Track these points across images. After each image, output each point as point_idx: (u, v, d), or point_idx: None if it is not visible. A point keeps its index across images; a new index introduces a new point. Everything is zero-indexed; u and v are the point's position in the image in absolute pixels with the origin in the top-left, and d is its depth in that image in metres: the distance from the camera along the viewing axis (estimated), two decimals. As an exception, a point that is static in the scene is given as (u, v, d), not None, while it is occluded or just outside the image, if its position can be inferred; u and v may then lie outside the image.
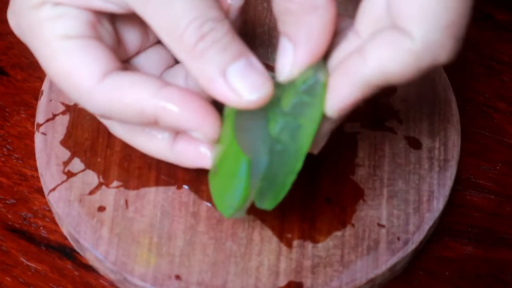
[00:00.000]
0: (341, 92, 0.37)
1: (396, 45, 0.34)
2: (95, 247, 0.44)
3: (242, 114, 0.38)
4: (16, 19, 0.40)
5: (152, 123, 0.39)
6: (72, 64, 0.38)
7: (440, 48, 0.34)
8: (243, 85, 0.37)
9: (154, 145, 0.42)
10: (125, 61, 0.43)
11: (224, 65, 0.37)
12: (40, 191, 0.47)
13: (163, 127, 0.40)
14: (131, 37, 0.42)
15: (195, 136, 0.39)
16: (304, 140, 0.38)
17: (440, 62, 0.35)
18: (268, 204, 0.40)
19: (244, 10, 0.51)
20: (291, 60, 0.38)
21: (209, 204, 0.45)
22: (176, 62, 0.44)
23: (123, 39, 0.42)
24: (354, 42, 0.38)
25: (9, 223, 0.47)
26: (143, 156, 0.46)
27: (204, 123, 0.38)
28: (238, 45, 0.38)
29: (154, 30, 0.38)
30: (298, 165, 0.38)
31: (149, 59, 0.43)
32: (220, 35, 0.37)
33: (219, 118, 0.39)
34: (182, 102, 0.38)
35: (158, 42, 0.43)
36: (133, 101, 0.38)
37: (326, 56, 0.38)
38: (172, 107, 0.38)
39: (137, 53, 0.43)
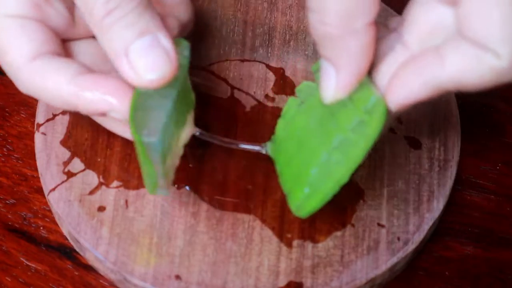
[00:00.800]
0: (411, 89, 0.37)
1: (480, 59, 0.35)
2: (95, 247, 0.44)
3: (146, 92, 0.38)
4: None
5: (75, 109, 0.40)
6: (6, 42, 0.40)
7: None
8: (143, 64, 0.37)
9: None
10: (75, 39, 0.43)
11: (127, 42, 0.37)
12: (40, 191, 0.47)
13: (84, 112, 0.40)
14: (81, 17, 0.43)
15: (114, 116, 0.39)
16: (357, 156, 0.37)
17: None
18: (305, 212, 0.39)
19: (244, 10, 0.51)
20: (334, 83, 0.37)
21: (209, 204, 0.45)
22: None
23: (78, 19, 0.42)
24: (403, 54, 0.38)
25: (9, 223, 0.47)
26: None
27: (117, 103, 0.38)
28: (145, 22, 0.37)
29: (76, 4, 0.38)
30: (345, 178, 0.38)
31: (89, 47, 0.44)
32: (126, 11, 0.37)
33: (128, 96, 0.38)
34: (94, 86, 0.38)
35: None
36: (52, 86, 0.39)
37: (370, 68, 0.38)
38: (85, 93, 0.38)
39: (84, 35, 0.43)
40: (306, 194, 0.39)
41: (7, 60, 0.40)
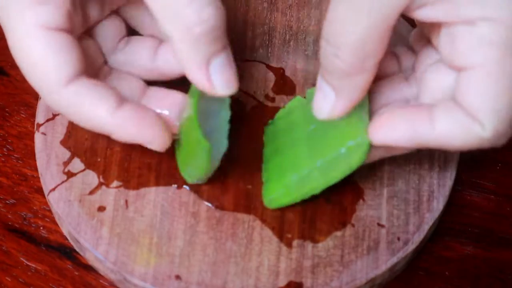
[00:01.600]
0: (397, 136, 0.39)
1: (468, 127, 0.38)
2: (95, 247, 0.44)
3: (205, 98, 0.42)
4: None
5: (108, 135, 0.41)
6: (44, 58, 0.39)
7: (503, 136, 0.38)
8: (220, 79, 0.40)
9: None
10: (85, 32, 0.43)
11: (210, 55, 0.39)
12: (40, 191, 0.47)
13: (117, 139, 0.41)
14: (92, 8, 0.43)
15: (149, 147, 0.41)
16: (333, 179, 0.42)
17: (497, 145, 0.39)
18: (275, 206, 0.45)
19: (244, 10, 0.51)
20: (331, 105, 0.40)
21: (209, 204, 0.45)
22: (130, 33, 0.45)
23: (86, 10, 0.42)
24: (406, 91, 0.43)
25: (9, 223, 0.47)
26: (143, 156, 0.46)
27: (155, 138, 0.41)
28: (225, 38, 0.40)
29: (148, 3, 0.38)
30: (317, 191, 0.43)
31: (105, 30, 0.44)
32: (216, 24, 0.38)
33: (168, 131, 0.41)
34: (136, 123, 0.40)
35: (112, 13, 0.44)
36: (91, 116, 0.40)
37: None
38: (127, 128, 0.40)
39: (95, 23, 0.44)
40: (281, 193, 0.44)
41: (38, 77, 0.39)
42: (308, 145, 0.43)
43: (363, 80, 0.39)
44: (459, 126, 0.38)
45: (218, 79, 0.40)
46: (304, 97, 0.47)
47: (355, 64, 0.38)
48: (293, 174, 0.43)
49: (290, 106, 0.47)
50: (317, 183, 0.42)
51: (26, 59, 0.39)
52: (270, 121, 0.47)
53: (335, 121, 0.41)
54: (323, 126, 0.43)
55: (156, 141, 0.41)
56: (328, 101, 0.40)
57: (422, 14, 0.37)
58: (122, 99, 0.40)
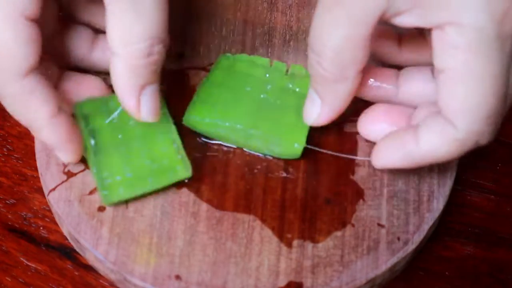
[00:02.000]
0: (393, 161, 0.43)
1: (444, 134, 0.40)
2: (95, 247, 0.44)
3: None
4: None
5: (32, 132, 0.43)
6: (13, 46, 0.40)
7: (480, 135, 0.39)
8: (147, 107, 0.42)
9: None
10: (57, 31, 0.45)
11: (144, 85, 0.42)
12: (40, 191, 0.47)
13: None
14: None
15: (59, 156, 0.44)
16: (251, 148, 0.47)
17: (481, 145, 0.40)
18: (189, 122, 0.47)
19: (244, 10, 0.51)
20: (318, 112, 0.43)
21: (209, 204, 0.45)
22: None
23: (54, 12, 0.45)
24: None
25: (9, 223, 0.47)
26: (143, 156, 0.46)
27: (71, 153, 0.44)
28: (160, 71, 0.42)
29: (109, 16, 0.40)
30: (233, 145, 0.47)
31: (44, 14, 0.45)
32: (161, 60, 0.42)
33: (79, 152, 0.44)
34: (65, 133, 0.43)
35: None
36: (32, 113, 0.41)
37: None
38: (56, 134, 0.42)
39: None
40: (205, 122, 0.46)
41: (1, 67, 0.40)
42: (257, 108, 0.46)
43: (345, 89, 0.41)
44: (437, 134, 0.40)
45: (145, 106, 0.42)
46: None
47: (335, 72, 0.40)
48: (227, 121, 0.46)
49: (259, 60, 0.49)
50: (240, 141, 0.46)
51: None
52: (230, 54, 0.49)
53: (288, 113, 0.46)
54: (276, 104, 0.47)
55: (70, 156, 0.44)
56: (315, 107, 0.43)
57: (400, 21, 0.39)
58: (61, 107, 0.42)
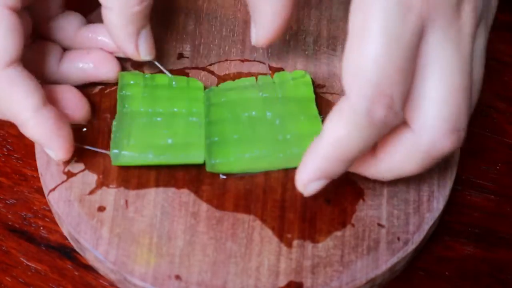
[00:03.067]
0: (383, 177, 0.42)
1: (403, 143, 0.38)
2: (95, 247, 0.44)
3: None
4: None
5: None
6: None
7: (443, 140, 0.37)
8: (145, 48, 0.46)
9: None
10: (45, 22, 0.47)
11: (140, 28, 0.45)
12: (40, 191, 0.47)
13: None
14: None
15: (48, 152, 0.44)
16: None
17: (446, 152, 0.38)
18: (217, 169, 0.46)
19: (244, 10, 0.51)
20: (254, 35, 0.43)
21: (209, 204, 0.45)
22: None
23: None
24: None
25: (9, 223, 0.47)
26: (143, 156, 0.46)
27: (60, 149, 0.44)
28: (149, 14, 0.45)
29: None
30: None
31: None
32: (151, 3, 0.45)
33: (68, 148, 0.44)
34: (53, 126, 0.42)
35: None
36: (15, 105, 0.41)
37: None
38: (43, 128, 0.42)
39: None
40: (229, 161, 0.45)
41: None
42: (271, 129, 0.46)
43: (270, 8, 0.42)
44: (400, 148, 0.39)
45: (143, 47, 0.46)
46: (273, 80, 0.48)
47: None
48: (252, 151, 0.45)
49: (244, 83, 0.48)
50: (265, 165, 0.46)
51: None
52: (214, 87, 0.48)
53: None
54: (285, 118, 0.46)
55: (59, 152, 0.44)
56: (252, 30, 0.44)
57: None
58: (46, 100, 0.42)
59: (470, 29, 0.37)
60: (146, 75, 0.48)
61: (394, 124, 0.37)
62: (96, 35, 0.47)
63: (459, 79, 0.36)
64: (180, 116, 0.46)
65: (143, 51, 0.46)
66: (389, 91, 0.35)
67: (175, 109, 0.47)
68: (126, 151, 0.45)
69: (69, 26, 0.47)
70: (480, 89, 0.39)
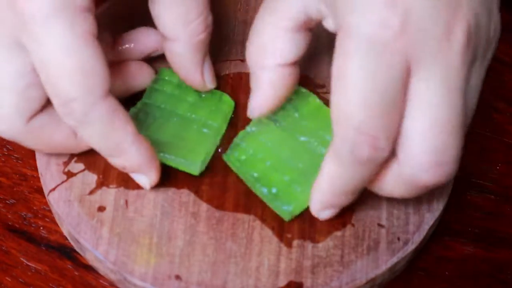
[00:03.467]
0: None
1: (391, 171, 0.39)
2: (95, 247, 0.44)
3: None
4: None
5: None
6: (89, 65, 0.39)
7: (425, 173, 0.37)
8: (208, 76, 0.47)
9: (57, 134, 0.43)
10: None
11: (204, 57, 0.46)
12: (40, 191, 0.47)
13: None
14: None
15: (138, 180, 0.44)
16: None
17: (432, 184, 0.38)
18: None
19: (244, 10, 0.51)
20: (251, 102, 0.44)
21: (209, 204, 0.45)
22: None
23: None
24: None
25: (9, 223, 0.47)
26: (143, 156, 0.46)
27: (153, 173, 0.44)
28: None
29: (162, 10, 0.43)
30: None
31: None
32: (211, 30, 0.45)
33: (160, 170, 0.44)
34: (146, 156, 0.42)
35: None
36: (116, 136, 0.41)
37: None
38: (138, 159, 0.42)
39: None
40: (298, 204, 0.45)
41: (3, 123, 0.41)
42: (306, 157, 0.45)
43: (266, 79, 0.43)
44: (391, 176, 0.39)
45: (207, 75, 0.46)
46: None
47: (254, 61, 0.43)
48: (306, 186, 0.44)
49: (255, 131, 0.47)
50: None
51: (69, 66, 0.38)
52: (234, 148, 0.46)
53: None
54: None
55: (155, 175, 0.44)
56: (250, 100, 0.44)
57: (326, 25, 0.41)
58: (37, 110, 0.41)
59: (462, 58, 0.36)
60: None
61: (382, 159, 0.38)
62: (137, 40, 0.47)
63: (446, 113, 0.36)
64: (195, 123, 0.46)
65: (208, 79, 0.46)
66: (372, 132, 0.36)
67: (194, 116, 0.47)
68: None
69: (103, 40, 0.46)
70: (470, 121, 0.39)
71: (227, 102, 0.48)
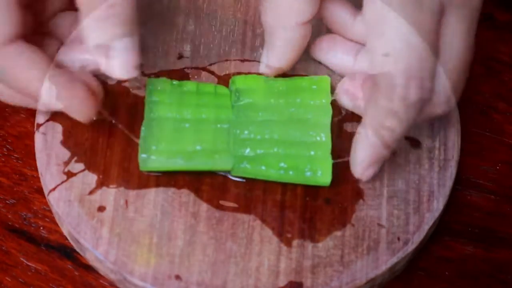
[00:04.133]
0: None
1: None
2: (95, 247, 0.44)
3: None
4: None
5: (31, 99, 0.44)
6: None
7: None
8: (119, 62, 0.43)
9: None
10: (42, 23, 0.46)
11: (112, 37, 0.42)
12: (40, 191, 0.47)
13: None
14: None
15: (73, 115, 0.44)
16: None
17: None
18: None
19: (244, 10, 0.51)
20: (265, 63, 0.46)
21: (209, 204, 0.45)
22: None
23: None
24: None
25: (9, 223, 0.47)
26: (143, 156, 0.46)
27: (82, 108, 0.43)
28: (132, 26, 0.42)
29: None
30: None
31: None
32: (124, 11, 0.41)
33: (95, 105, 0.44)
34: (68, 88, 0.43)
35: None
36: (24, 77, 0.42)
37: None
38: (58, 92, 0.42)
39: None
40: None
41: None
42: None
43: (285, 38, 0.45)
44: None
45: (116, 61, 0.42)
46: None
47: (276, 20, 0.45)
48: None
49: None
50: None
51: None
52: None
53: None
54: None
55: (80, 111, 0.43)
56: (264, 58, 0.47)
57: None
58: (52, 64, 0.42)
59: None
60: (174, 82, 0.48)
61: (428, 99, 0.40)
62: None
63: (465, 54, 0.41)
64: (208, 122, 0.46)
65: (116, 66, 0.43)
66: (419, 74, 0.38)
67: (203, 116, 0.46)
68: (155, 156, 0.45)
69: (67, 23, 0.47)
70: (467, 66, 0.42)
71: (223, 92, 0.48)
